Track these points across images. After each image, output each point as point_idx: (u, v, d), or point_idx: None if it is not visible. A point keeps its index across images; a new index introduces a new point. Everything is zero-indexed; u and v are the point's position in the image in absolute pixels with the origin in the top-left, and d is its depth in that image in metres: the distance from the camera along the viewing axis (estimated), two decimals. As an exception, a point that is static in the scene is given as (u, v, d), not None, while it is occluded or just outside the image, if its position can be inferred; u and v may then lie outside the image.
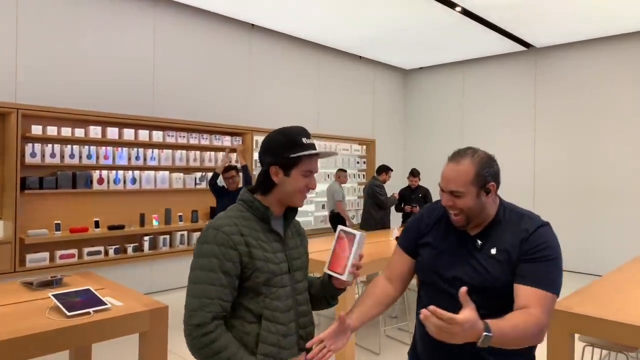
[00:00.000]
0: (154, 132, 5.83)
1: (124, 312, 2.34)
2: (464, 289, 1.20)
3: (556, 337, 2.51)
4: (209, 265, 1.33)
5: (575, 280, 6.59)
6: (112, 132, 5.46)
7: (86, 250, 5.21)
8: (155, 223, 5.84)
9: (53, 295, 2.38)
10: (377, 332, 4.46)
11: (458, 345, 1.21)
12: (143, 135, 5.72)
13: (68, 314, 2.23)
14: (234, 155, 6.36)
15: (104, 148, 5.41)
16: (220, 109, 6.58)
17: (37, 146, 4.93)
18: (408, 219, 6.30)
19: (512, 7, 5.98)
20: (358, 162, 8.70)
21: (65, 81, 5.18)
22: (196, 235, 6.19)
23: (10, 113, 4.71)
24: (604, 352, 3.93)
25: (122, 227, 5.48)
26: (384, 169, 6.60)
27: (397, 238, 1.90)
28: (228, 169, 5.12)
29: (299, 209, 1.58)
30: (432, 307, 1.14)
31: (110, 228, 5.39)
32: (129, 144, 5.69)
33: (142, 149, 5.76)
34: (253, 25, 6.89)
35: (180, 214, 6.12)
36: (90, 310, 2.29)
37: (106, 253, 5.37)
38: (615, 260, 6.72)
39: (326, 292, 1.57)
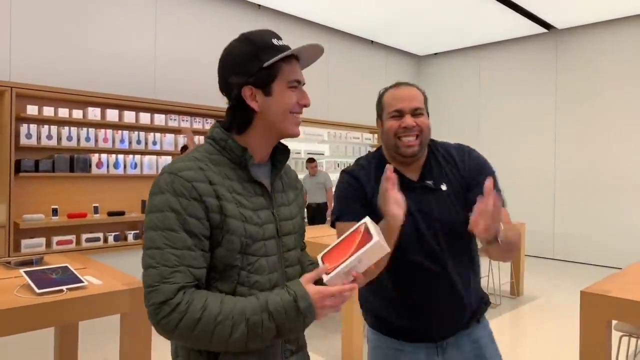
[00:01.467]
0: (156, 115, 5.61)
1: (102, 291, 2.09)
2: (489, 182, 1.13)
3: (591, 325, 2.20)
4: (165, 222, 0.95)
5: (596, 273, 6.24)
6: (112, 115, 5.25)
7: (85, 236, 5.01)
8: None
9: (25, 272, 2.14)
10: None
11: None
12: (144, 118, 5.50)
13: (38, 291, 1.99)
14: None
15: (103, 131, 5.20)
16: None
17: (33, 127, 4.73)
18: None
19: (532, -19, 5.64)
20: (369, 151, 8.39)
21: (63, 60, 4.98)
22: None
23: (3, 92, 4.51)
24: None
25: (122, 213, 5.27)
26: None
27: None
28: (183, 149, 4.84)
29: (291, 154, 1.22)
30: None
31: (110, 214, 5.19)
32: (130, 127, 5.47)
33: (144, 133, 5.54)
34: (259, 5, 6.63)
35: (184, 201, 5.91)
36: (64, 287, 2.05)
37: (105, 240, 5.16)
38: (638, 254, 6.35)
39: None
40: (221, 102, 5.57)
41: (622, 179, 6.84)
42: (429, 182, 1.45)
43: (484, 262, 6.39)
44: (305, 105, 1.10)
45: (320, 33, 7.48)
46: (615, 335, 2.66)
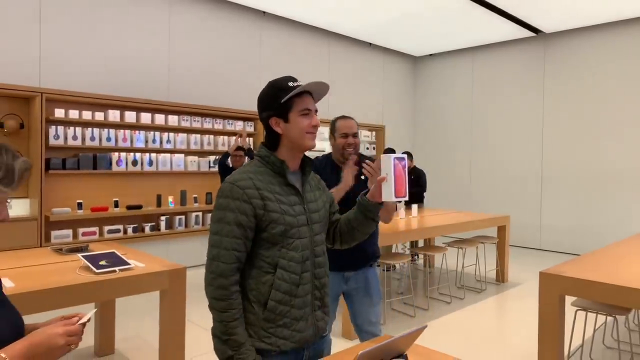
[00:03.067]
0: (170, 117, 6.06)
1: (146, 271, 2.57)
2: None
3: (546, 299, 2.67)
4: (224, 217, 1.40)
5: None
6: (130, 116, 5.70)
7: (106, 228, 5.49)
8: (171, 204, 6.10)
9: (82, 256, 2.62)
10: (382, 305, 4.66)
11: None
12: (159, 119, 5.96)
13: (97, 271, 2.46)
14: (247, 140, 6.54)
15: (122, 131, 5.66)
16: (233, 95, 6.78)
17: (60, 129, 5.19)
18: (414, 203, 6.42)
19: (519, -8, 6.06)
20: (367, 148, 8.86)
21: (86, 67, 5.43)
22: (211, 216, 6.43)
23: (35, 97, 4.97)
24: (599, 319, 4.08)
25: (139, 207, 5.74)
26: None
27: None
28: (238, 149, 5.32)
29: None
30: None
31: (129, 208, 5.66)
32: (146, 128, 5.93)
33: (159, 133, 6.00)
34: (264, 12, 7.05)
35: (195, 195, 6.37)
36: (116, 269, 2.52)
37: (125, 231, 5.64)
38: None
39: (369, 214, 1.61)
40: (229, 104, 6.15)
41: (606, 173, 7.31)
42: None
43: (471, 253, 6.83)
44: (316, 126, 1.50)
45: (321, 37, 7.91)
46: (572, 311, 3.12)
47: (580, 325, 3.78)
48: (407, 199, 1.62)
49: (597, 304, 2.96)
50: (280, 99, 1.46)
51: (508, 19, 7.08)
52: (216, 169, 6.46)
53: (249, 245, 1.44)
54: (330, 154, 2.61)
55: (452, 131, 9.22)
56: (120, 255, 2.70)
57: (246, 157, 5.40)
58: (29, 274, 2.46)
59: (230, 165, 5.32)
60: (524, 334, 3.98)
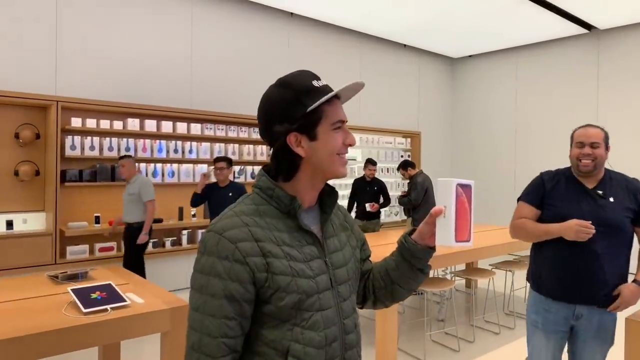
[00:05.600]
0: (192, 125, 5.75)
1: (144, 310, 2.17)
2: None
3: (634, 350, 2.12)
4: (208, 287, 0.94)
5: None
6: (150, 125, 5.41)
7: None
8: (193, 218, 5.76)
9: (72, 290, 2.25)
10: (421, 337, 4.14)
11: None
12: (181, 127, 5.65)
13: (84, 310, 2.08)
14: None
15: (142, 140, 5.37)
16: (258, 101, 6.42)
17: (77, 139, 4.94)
18: (367, 218, 5.64)
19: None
20: (402, 156, 8.33)
21: (103, 74, 5.17)
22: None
23: (50, 106, 4.73)
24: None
25: (160, 220, 5.43)
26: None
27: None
28: (218, 159, 4.71)
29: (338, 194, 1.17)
30: None
31: (149, 221, 5.34)
32: (167, 137, 5.63)
33: (181, 142, 5.69)
34: (292, 13, 6.68)
35: (219, 208, 6.02)
36: (108, 307, 2.14)
37: (144, 246, 5.33)
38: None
39: (417, 262, 1.13)
40: (255, 111, 5.72)
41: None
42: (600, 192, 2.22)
43: (521, 274, 6.20)
44: (351, 145, 1.06)
45: (352, 38, 7.46)
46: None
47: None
48: (471, 244, 1.11)
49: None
50: (305, 106, 1.00)
51: (558, 14, 6.43)
52: (241, 178, 6.10)
53: (247, 325, 0.98)
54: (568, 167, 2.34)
55: (493, 138, 8.56)
56: (116, 288, 2.32)
57: (232, 167, 4.83)
58: (8, 313, 2.11)
59: (216, 182, 4.75)
60: None
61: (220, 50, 6.06)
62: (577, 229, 2.02)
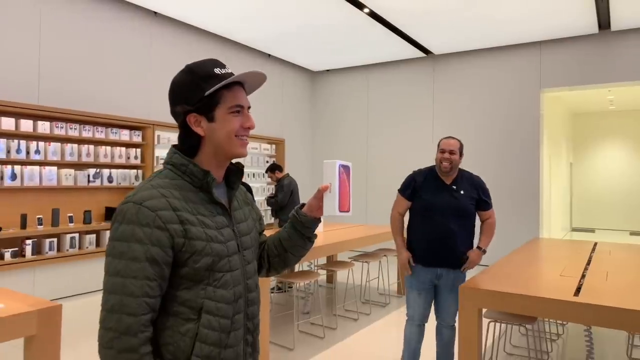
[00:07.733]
0: (40, 123, 5.20)
1: (6, 314, 1.99)
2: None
3: (466, 314, 2.63)
4: (129, 252, 1.01)
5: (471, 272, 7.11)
6: (-13, 121, 4.75)
7: (-49, 256, 4.46)
8: (39, 226, 5.19)
9: None
10: (290, 329, 4.39)
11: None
12: (26, 125, 5.07)
13: None
14: None
15: (-25, 138, 4.69)
16: (118, 100, 6.07)
17: None
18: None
19: (414, 12, 6.32)
20: (268, 161, 8.58)
21: None
22: (89, 238, 5.62)
23: None
24: (508, 327, 4.25)
25: (-2, 229, 4.79)
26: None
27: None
28: None
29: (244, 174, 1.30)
30: None
31: (-17, 231, 4.68)
32: (9, 135, 5.00)
33: (25, 141, 5.09)
34: (155, 12, 6.48)
35: (71, 214, 5.51)
36: (-40, 313, 1.92)
37: (-22, 259, 4.64)
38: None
39: (306, 232, 1.33)
40: (113, 110, 5.44)
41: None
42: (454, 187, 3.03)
43: (373, 267, 6.87)
44: (250, 128, 1.17)
45: (218, 43, 7.51)
46: (485, 322, 3.16)
47: (490, 334, 3.86)
48: (350, 214, 1.37)
49: (508, 315, 3.02)
50: (203, 91, 1.11)
51: (402, 38, 7.37)
52: (97, 182, 5.69)
53: (165, 287, 1.06)
54: (432, 166, 3.11)
55: (349, 144, 9.35)
56: (-33, 295, 2.08)
57: None
58: None
59: None
60: (429, 343, 3.97)
61: (74, 42, 5.59)
62: (403, 263, 3.00)
